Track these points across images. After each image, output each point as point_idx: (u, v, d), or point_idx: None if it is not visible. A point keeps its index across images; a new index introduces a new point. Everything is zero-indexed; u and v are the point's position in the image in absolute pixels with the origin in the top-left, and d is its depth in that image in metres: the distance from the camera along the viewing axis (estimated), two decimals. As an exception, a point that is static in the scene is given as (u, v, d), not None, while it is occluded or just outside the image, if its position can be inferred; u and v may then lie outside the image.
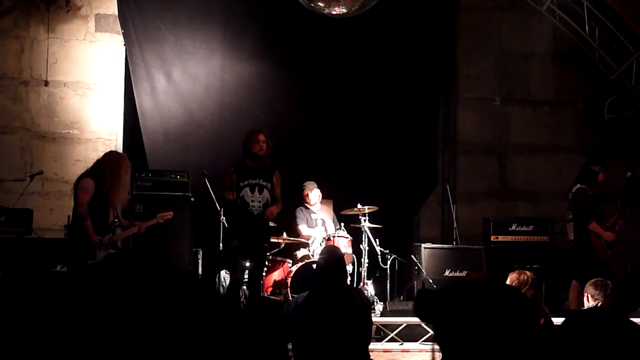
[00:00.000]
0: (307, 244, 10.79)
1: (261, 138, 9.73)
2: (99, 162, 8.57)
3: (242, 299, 9.91)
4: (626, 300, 6.11)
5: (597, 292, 7.69)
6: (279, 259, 10.56)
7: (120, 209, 8.63)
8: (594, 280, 7.96)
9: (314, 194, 11.24)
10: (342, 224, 11.07)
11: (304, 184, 11.29)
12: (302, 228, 11.07)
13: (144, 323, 3.67)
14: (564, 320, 2.71)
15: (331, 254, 7.09)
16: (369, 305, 6.85)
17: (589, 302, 7.71)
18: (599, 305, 7.60)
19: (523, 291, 6.94)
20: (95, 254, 8.23)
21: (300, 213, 11.27)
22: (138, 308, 3.74)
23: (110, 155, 8.75)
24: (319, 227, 11.05)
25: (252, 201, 9.60)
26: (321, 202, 11.40)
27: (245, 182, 9.64)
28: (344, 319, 3.76)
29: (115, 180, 8.41)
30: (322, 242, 10.68)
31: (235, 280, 9.63)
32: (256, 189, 9.62)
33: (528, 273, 7.15)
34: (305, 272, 10.01)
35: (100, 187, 8.31)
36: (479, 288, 2.64)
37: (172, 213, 9.21)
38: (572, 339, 2.75)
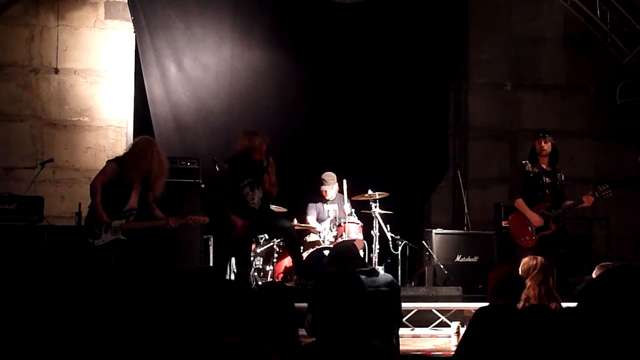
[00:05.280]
0: (316, 230, 10.78)
1: (264, 148, 9.43)
2: (129, 148, 8.61)
3: (254, 286, 9.90)
4: None
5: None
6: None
7: (153, 196, 8.58)
8: (605, 264, 7.95)
9: (333, 190, 11.15)
10: (354, 210, 11.05)
11: (324, 177, 11.13)
12: (311, 220, 11.02)
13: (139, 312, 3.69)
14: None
15: (339, 246, 7.22)
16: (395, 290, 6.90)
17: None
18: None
19: (532, 275, 6.97)
20: (100, 235, 8.21)
21: (311, 209, 11.21)
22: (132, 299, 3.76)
23: (139, 142, 8.71)
24: (330, 218, 11.00)
25: (252, 199, 9.44)
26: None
27: (245, 182, 9.38)
28: (352, 304, 3.76)
29: (143, 166, 8.38)
30: (333, 227, 10.67)
31: (242, 273, 9.56)
32: (255, 186, 9.43)
33: (539, 258, 7.18)
34: (316, 258, 10.00)
35: (123, 172, 8.28)
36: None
37: (207, 219, 9.15)
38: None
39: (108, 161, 8.50)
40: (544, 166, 9.63)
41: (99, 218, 8.17)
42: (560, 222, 9.66)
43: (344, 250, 7.03)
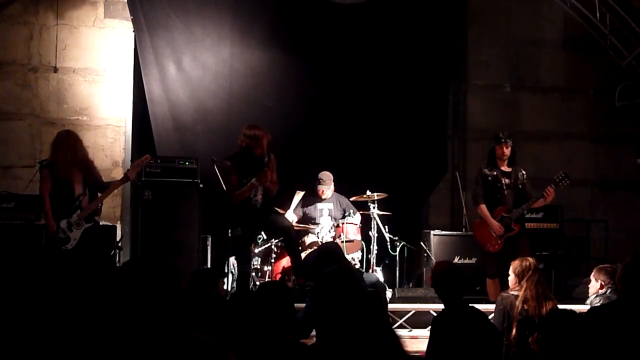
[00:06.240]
0: (315, 229, 10.75)
1: (265, 142, 9.45)
2: (51, 146, 8.86)
3: (252, 287, 9.88)
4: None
5: (609, 279, 7.65)
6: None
7: (83, 179, 8.76)
8: (603, 266, 7.94)
9: (329, 190, 11.13)
10: (352, 211, 11.03)
11: (321, 177, 11.06)
12: (289, 214, 10.98)
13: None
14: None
15: (325, 245, 7.25)
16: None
17: (602, 289, 7.68)
18: (608, 292, 7.58)
19: (528, 276, 6.99)
20: (68, 238, 8.39)
21: (300, 205, 11.18)
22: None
23: (58, 136, 9.01)
24: (324, 216, 10.98)
25: (255, 195, 9.47)
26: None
27: (248, 179, 9.36)
28: (357, 302, 3.77)
29: (64, 157, 8.58)
30: (331, 229, 10.66)
31: (243, 272, 9.54)
32: (257, 185, 9.42)
33: (530, 259, 7.23)
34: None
35: (54, 171, 8.53)
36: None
37: (149, 156, 9.41)
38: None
39: (39, 168, 8.87)
40: (503, 168, 9.79)
41: (50, 229, 8.40)
42: (521, 221, 9.82)
43: (332, 249, 7.06)
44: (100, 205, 9.21)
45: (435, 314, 9.61)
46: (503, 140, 9.70)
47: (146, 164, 9.43)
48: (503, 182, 9.69)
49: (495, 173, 9.72)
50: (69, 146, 8.72)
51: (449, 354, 5.68)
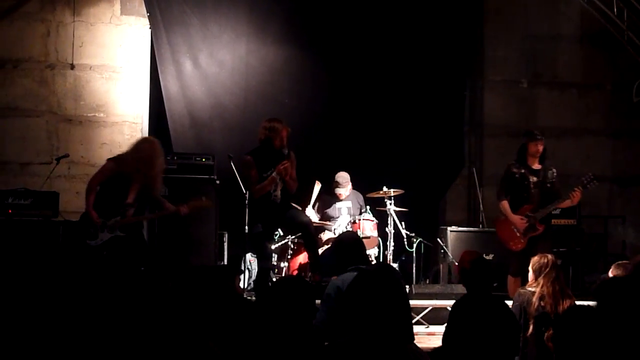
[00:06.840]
0: (332, 226, 10.76)
1: (284, 134, 9.43)
2: (131, 150, 8.56)
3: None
4: None
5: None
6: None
7: (149, 194, 8.57)
8: (621, 262, 7.88)
9: (346, 190, 11.13)
10: (368, 207, 11.02)
11: (338, 180, 11.10)
12: (309, 210, 10.96)
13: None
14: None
15: (344, 237, 7.21)
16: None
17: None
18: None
19: (545, 273, 6.95)
20: (96, 235, 8.22)
21: (320, 206, 11.19)
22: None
23: (142, 146, 8.65)
24: (344, 215, 10.97)
25: (274, 190, 9.43)
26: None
27: (268, 173, 9.37)
28: (395, 301, 3.75)
29: (144, 169, 8.36)
30: (348, 225, 10.65)
31: (263, 268, 9.51)
32: (277, 179, 9.39)
33: (549, 256, 7.17)
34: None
35: (122, 172, 8.29)
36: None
37: (210, 202, 9.16)
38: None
39: (108, 160, 8.58)
40: (533, 166, 9.57)
41: (89, 218, 8.21)
42: (547, 221, 9.57)
43: (351, 240, 6.97)
44: None
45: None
46: (539, 137, 9.52)
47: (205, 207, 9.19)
48: (531, 180, 9.45)
49: (523, 171, 9.49)
50: (148, 160, 8.46)
51: (467, 339, 5.68)
